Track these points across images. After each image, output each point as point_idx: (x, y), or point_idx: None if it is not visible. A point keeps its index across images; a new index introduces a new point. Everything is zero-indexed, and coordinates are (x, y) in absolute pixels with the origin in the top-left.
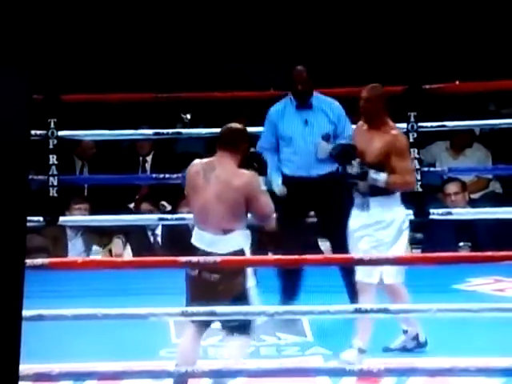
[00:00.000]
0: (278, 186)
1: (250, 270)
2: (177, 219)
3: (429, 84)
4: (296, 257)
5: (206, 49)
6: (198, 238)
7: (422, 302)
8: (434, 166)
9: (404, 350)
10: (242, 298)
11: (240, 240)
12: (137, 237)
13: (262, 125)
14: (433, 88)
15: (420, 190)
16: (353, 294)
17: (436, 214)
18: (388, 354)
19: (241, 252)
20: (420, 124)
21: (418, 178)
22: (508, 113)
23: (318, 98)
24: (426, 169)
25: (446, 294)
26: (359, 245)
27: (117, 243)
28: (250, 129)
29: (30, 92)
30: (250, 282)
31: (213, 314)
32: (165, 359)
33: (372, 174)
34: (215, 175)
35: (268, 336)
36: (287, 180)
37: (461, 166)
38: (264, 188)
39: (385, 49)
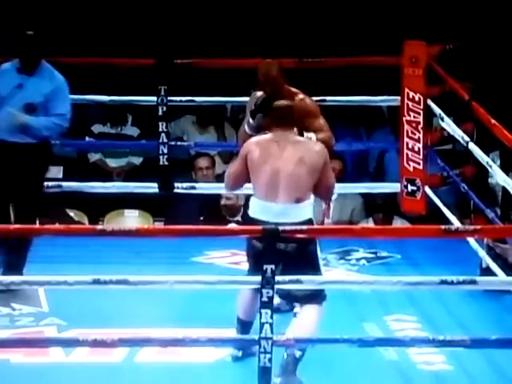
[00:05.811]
0: None
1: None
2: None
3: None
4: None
5: None
6: (262, 211)
7: (160, 274)
8: (182, 139)
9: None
10: (314, 265)
11: (309, 209)
12: None
13: None
14: (184, 63)
15: (166, 163)
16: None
17: (181, 187)
18: (124, 323)
19: (310, 221)
20: (170, 98)
21: (165, 151)
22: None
23: (44, 67)
24: (173, 142)
25: (184, 266)
26: None
27: None
28: None
29: None
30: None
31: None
32: None
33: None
34: (292, 145)
35: (2, 307)
36: None
37: (207, 141)
38: None
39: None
